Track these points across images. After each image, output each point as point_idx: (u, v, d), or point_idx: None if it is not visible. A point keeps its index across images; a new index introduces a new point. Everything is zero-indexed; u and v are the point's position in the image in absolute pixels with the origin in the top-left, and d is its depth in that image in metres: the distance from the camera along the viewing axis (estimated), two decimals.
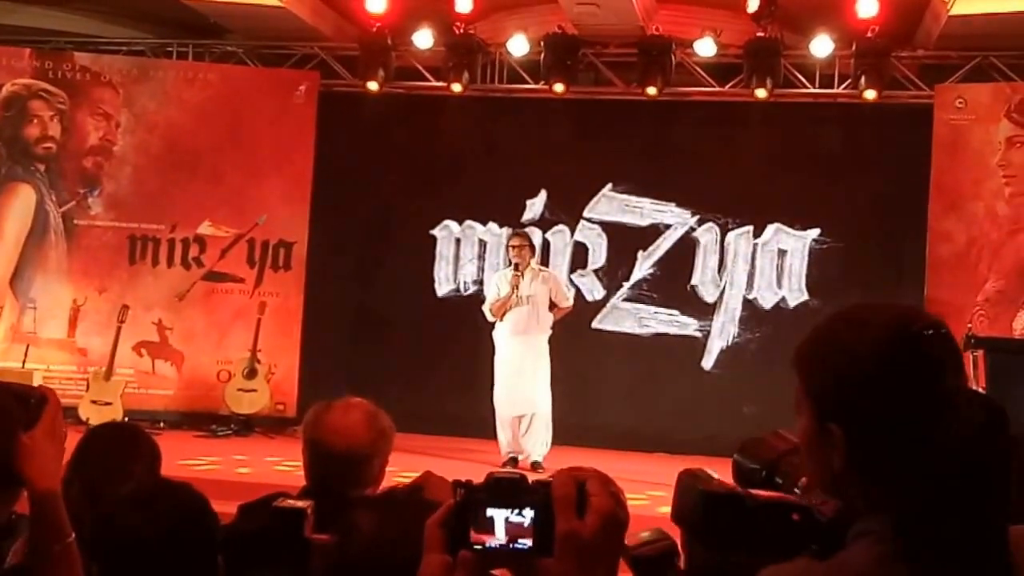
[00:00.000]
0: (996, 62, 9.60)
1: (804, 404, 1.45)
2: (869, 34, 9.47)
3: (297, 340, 10.39)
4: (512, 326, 8.54)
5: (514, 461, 8.41)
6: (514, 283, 8.50)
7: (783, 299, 10.16)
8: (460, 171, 10.59)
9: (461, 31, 10.09)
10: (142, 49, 10.87)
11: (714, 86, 10.16)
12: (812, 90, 9.99)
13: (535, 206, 10.53)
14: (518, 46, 10.01)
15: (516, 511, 1.15)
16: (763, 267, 10.21)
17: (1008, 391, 6.72)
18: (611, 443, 9.35)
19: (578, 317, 9.54)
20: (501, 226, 10.49)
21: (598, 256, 10.47)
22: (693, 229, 10.32)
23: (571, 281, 10.21)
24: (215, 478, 7.24)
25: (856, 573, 1.35)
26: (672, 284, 10.29)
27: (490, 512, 1.15)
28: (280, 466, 7.93)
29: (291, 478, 5.99)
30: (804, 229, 10.14)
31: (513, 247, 8.68)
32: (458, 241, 10.70)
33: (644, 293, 10.36)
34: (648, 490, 6.31)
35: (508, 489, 1.16)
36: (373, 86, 10.29)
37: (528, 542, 1.14)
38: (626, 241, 10.37)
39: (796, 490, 1.55)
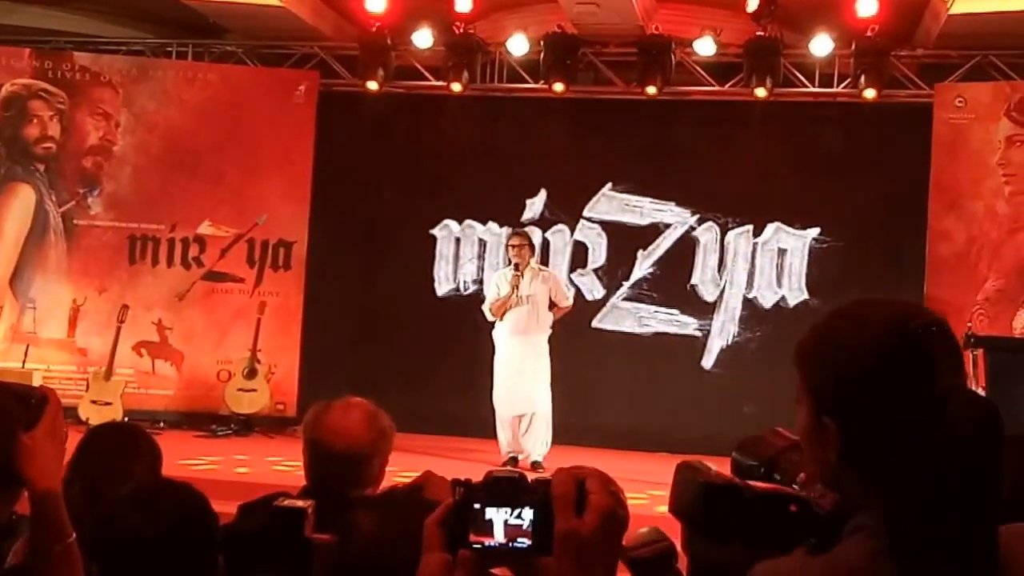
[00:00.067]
0: (996, 61, 9.60)
1: (803, 398, 1.46)
2: (869, 33, 9.47)
3: (297, 340, 10.40)
4: (512, 326, 8.54)
5: (514, 461, 8.41)
6: (514, 283, 8.50)
7: (783, 298, 10.17)
8: (460, 170, 10.59)
9: (461, 31, 10.09)
10: (142, 49, 10.87)
11: (714, 85, 10.16)
12: (812, 89, 9.99)
13: (535, 205, 10.53)
14: (518, 45, 10.01)
15: (515, 510, 1.15)
16: (763, 266, 10.22)
17: (1008, 390, 6.73)
18: (611, 442, 9.36)
19: (578, 317, 9.54)
20: (501, 225, 10.50)
21: (598, 255, 10.48)
22: (693, 228, 10.32)
23: (571, 280, 10.21)
24: (215, 478, 7.24)
25: (850, 569, 1.35)
26: (672, 283, 10.29)
27: (489, 511, 1.15)
28: (280, 466, 7.93)
29: (291, 478, 6.00)
30: (804, 228, 10.15)
31: (513, 247, 8.68)
32: (458, 241, 10.70)
33: (644, 292, 10.36)
34: (648, 489, 6.31)
35: (507, 488, 1.16)
36: (373, 86, 10.29)
37: (527, 541, 1.14)
38: (626, 240, 10.37)
39: (794, 486, 1.55)
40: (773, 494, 1.48)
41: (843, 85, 9.85)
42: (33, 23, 10.81)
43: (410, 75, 10.54)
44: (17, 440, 1.99)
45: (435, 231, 10.69)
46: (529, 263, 8.64)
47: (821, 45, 9.59)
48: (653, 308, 10.34)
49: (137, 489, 2.50)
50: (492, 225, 10.61)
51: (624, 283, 10.38)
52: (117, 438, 3.13)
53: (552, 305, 8.66)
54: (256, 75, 10.74)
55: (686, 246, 10.32)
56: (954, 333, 1.44)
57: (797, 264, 10.15)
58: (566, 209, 10.47)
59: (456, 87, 10.21)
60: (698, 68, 10.11)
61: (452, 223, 10.68)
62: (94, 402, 9.47)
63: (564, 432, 8.74)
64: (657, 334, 10.32)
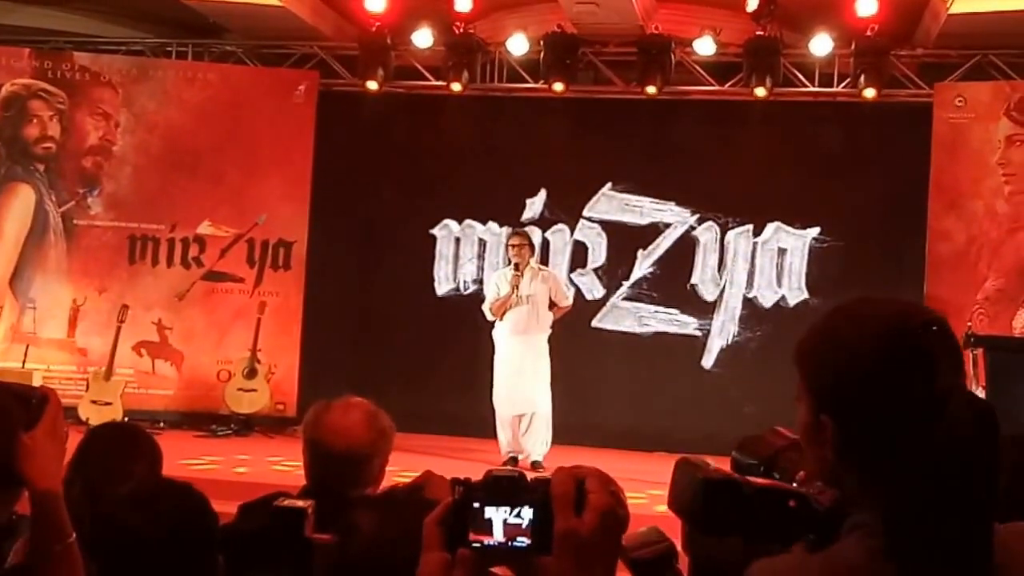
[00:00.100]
0: (995, 60, 9.60)
1: (803, 396, 1.46)
2: (868, 33, 9.47)
3: (297, 340, 10.40)
4: (512, 325, 8.54)
5: (514, 460, 8.41)
6: (514, 283, 8.50)
7: (783, 298, 10.17)
8: (460, 170, 10.59)
9: (461, 30, 10.09)
10: (141, 49, 10.87)
11: (714, 85, 10.16)
12: (811, 89, 9.99)
13: (535, 205, 10.53)
14: (517, 45, 10.01)
15: (514, 509, 1.15)
16: (763, 266, 10.22)
17: (1008, 389, 6.73)
18: (611, 442, 9.36)
19: (578, 316, 9.54)
20: (501, 225, 10.50)
21: (598, 255, 10.48)
22: (693, 228, 10.32)
23: (571, 280, 10.22)
24: (215, 478, 7.24)
25: (846, 567, 1.35)
26: (672, 283, 10.29)
27: (488, 510, 1.15)
28: (280, 466, 7.93)
29: (291, 478, 6.00)
30: (804, 228, 10.15)
31: (513, 246, 8.68)
32: (458, 240, 10.70)
33: (644, 292, 10.36)
34: (648, 489, 6.31)
35: (506, 487, 1.16)
36: (373, 85, 10.29)
37: (526, 540, 1.14)
38: (626, 240, 10.37)
39: (794, 484, 1.55)
40: (772, 489, 1.48)
41: (843, 85, 9.85)
42: (33, 23, 10.81)
43: (410, 75, 10.54)
44: (17, 440, 1.98)
45: (435, 231, 10.69)
46: (529, 263, 8.63)
47: (821, 45, 9.60)
48: (653, 308, 10.34)
49: (137, 489, 2.50)
50: (492, 225, 10.61)
51: (624, 283, 10.38)
52: (117, 438, 3.13)
53: (552, 305, 8.66)
54: (256, 75, 10.74)
55: (686, 246, 10.32)
56: (954, 333, 1.43)
57: (797, 264, 10.15)
58: (566, 209, 10.47)
59: (456, 87, 10.21)
60: (698, 68, 10.11)
61: (452, 223, 10.68)
62: (94, 402, 9.46)
63: (564, 432, 8.74)
64: (657, 334, 10.32)
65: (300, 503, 2.22)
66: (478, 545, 1.14)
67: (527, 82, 10.33)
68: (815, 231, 10.12)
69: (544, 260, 9.97)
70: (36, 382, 7.25)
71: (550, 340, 8.63)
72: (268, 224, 10.44)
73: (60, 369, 10.04)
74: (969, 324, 8.43)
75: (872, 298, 1.49)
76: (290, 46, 10.71)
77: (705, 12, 10.08)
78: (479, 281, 10.45)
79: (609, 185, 10.43)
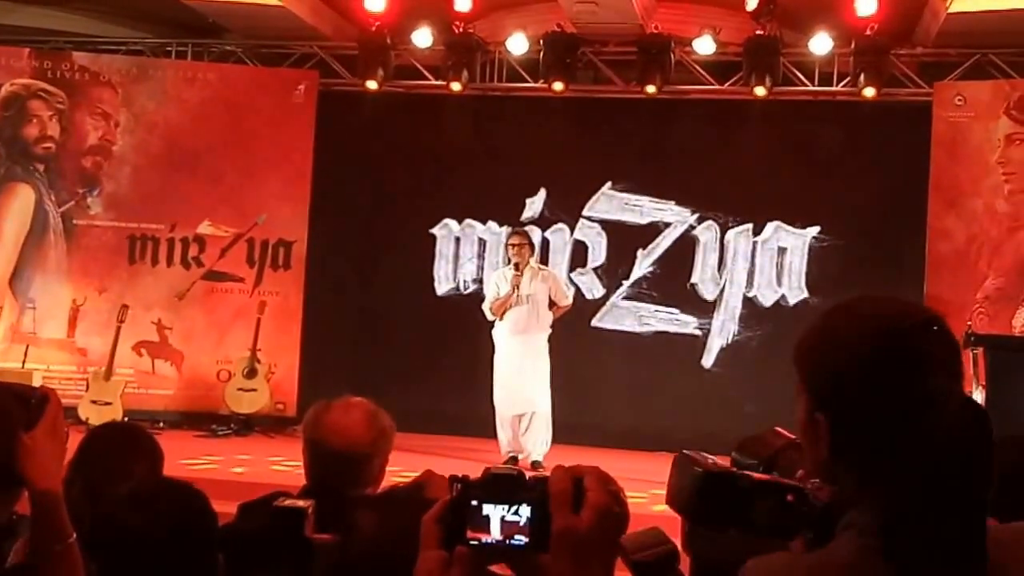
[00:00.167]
0: (995, 59, 9.60)
1: (801, 394, 1.46)
2: (868, 32, 9.47)
3: (297, 339, 10.40)
4: (512, 325, 8.54)
5: (514, 460, 8.40)
6: (514, 282, 8.49)
7: (783, 297, 10.17)
8: (459, 170, 10.60)
9: (460, 30, 10.09)
10: (141, 49, 10.87)
11: (713, 84, 10.16)
12: (811, 88, 9.99)
13: (534, 204, 10.53)
14: (517, 45, 10.01)
15: (512, 507, 1.15)
16: (763, 265, 10.22)
17: (1008, 388, 6.74)
18: (611, 442, 9.35)
19: (578, 316, 9.54)
20: (501, 225, 10.50)
21: (598, 254, 10.48)
22: (693, 227, 10.32)
23: (570, 280, 10.21)
24: (215, 478, 7.24)
25: (839, 566, 1.35)
26: (672, 282, 10.29)
27: (486, 508, 1.15)
28: (280, 466, 7.93)
29: (291, 478, 6.00)
30: (804, 227, 10.15)
31: (512, 246, 8.68)
32: (457, 240, 10.70)
33: (644, 291, 10.36)
34: (648, 488, 6.30)
35: (505, 485, 1.16)
36: (372, 85, 10.29)
37: (524, 538, 1.14)
38: (626, 239, 10.37)
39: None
40: (770, 483, 1.48)
41: (843, 84, 9.85)
42: (33, 23, 10.81)
43: (410, 74, 10.54)
44: (17, 440, 1.99)
45: (435, 230, 10.69)
46: (529, 262, 8.63)
47: (820, 44, 9.60)
48: (653, 307, 10.34)
49: (137, 489, 2.50)
50: (492, 224, 10.61)
51: (624, 282, 10.38)
52: (117, 438, 3.13)
53: (552, 304, 8.66)
54: (255, 75, 10.74)
55: (686, 245, 10.32)
56: (953, 332, 1.43)
57: (797, 263, 10.15)
58: (566, 208, 10.47)
59: (456, 86, 10.21)
60: (697, 67, 10.11)
61: (452, 222, 10.68)
62: (94, 402, 9.46)
63: (564, 431, 8.73)
64: (657, 333, 10.32)
65: (300, 503, 2.23)
66: (476, 543, 1.14)
67: (527, 82, 10.33)
68: (815, 230, 10.12)
69: (544, 259, 9.97)
70: (36, 382, 7.22)
71: (550, 340, 8.63)
72: (268, 224, 10.44)
73: (60, 369, 10.04)
74: (969, 323, 8.42)
75: (871, 297, 1.49)
76: (290, 46, 10.72)
77: (705, 11, 10.08)
78: (479, 281, 10.45)
79: (609, 184, 10.43)
